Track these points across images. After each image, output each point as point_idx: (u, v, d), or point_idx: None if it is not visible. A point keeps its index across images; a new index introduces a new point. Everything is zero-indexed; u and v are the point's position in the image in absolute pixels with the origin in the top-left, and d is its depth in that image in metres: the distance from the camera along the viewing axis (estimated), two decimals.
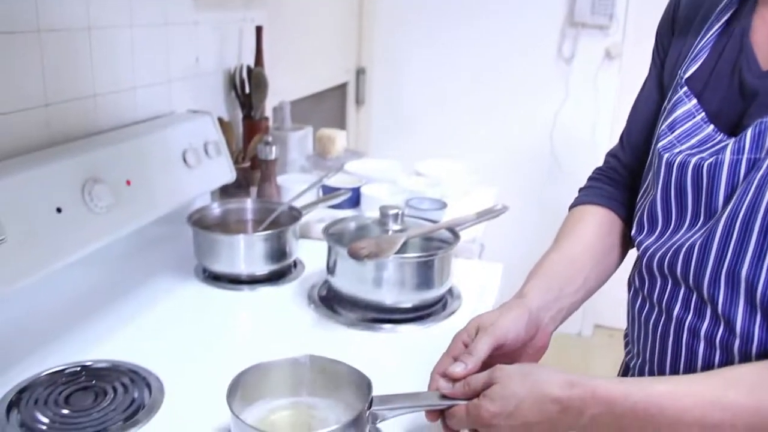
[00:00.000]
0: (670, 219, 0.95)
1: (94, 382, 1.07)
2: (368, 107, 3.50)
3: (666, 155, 0.94)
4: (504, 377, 0.84)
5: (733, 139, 0.88)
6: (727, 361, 0.86)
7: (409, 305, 1.30)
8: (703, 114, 0.94)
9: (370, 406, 0.88)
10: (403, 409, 0.91)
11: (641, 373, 1.01)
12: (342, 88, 3.26)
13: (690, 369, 0.91)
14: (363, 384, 0.92)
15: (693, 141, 0.93)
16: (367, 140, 3.51)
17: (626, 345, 1.09)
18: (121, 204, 1.32)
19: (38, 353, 1.15)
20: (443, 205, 1.78)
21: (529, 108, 3.30)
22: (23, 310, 1.24)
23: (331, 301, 1.37)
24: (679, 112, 0.95)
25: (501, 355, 0.93)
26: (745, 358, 0.85)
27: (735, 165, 0.87)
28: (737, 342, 0.85)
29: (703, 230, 0.89)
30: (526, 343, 0.97)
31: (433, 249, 1.34)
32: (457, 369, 0.89)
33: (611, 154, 1.22)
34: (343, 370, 0.96)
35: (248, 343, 1.24)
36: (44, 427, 0.96)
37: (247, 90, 2.01)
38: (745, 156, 0.86)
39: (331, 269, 1.34)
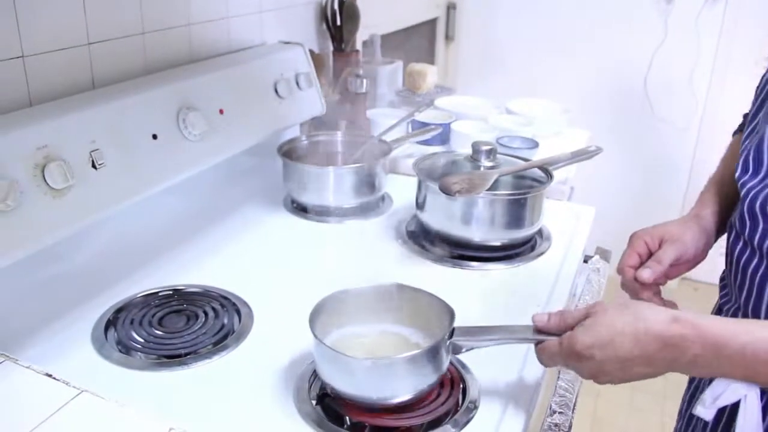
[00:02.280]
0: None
1: (185, 305, 1.10)
2: (457, 43, 3.43)
3: None
4: (601, 311, 0.81)
5: None
6: None
7: (497, 243, 1.28)
8: None
9: (451, 336, 0.88)
10: (490, 341, 0.90)
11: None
12: (432, 23, 3.19)
13: None
14: (446, 314, 0.90)
15: None
16: (455, 77, 3.44)
17: (722, 288, 1.04)
18: (214, 132, 1.34)
19: (133, 276, 1.19)
20: (535, 145, 1.73)
21: (624, 48, 3.16)
22: (120, 235, 1.27)
23: (418, 237, 1.36)
24: None
25: (672, 267, 1.01)
26: None
27: None
28: None
29: None
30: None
31: (524, 188, 1.31)
32: (645, 274, 0.98)
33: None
34: (428, 300, 0.95)
35: (335, 275, 1.24)
36: (139, 346, 1.00)
37: (338, 22, 1.99)
38: None
39: (420, 204, 1.32)
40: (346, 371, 0.85)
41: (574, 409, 0.97)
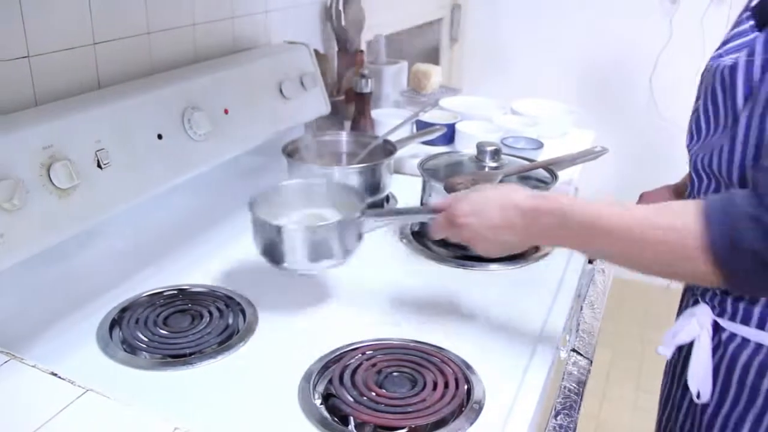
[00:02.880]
0: (710, 124, 1.00)
1: (190, 305, 1.10)
2: (462, 44, 3.43)
3: (710, 62, 1.00)
4: (480, 187, 1.00)
5: (756, 36, 0.93)
6: None
7: None
8: (753, 22, 0.98)
9: (362, 214, 1.07)
10: (391, 217, 1.20)
11: None
12: (437, 23, 3.19)
13: None
14: (360, 200, 1.10)
15: (734, 45, 0.98)
16: (460, 77, 3.44)
17: None
18: (218, 132, 1.34)
19: (138, 275, 1.19)
20: (540, 145, 1.73)
21: (629, 48, 3.16)
22: (125, 234, 1.27)
23: (422, 237, 1.35)
24: (737, 29, 1.00)
25: None
26: None
27: (749, 66, 0.91)
28: None
29: (729, 131, 0.94)
30: None
31: (529, 188, 1.30)
32: None
33: None
34: (348, 190, 1.16)
35: (340, 274, 1.24)
36: (144, 346, 1.00)
37: (343, 22, 1.99)
38: (759, 57, 0.89)
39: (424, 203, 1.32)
40: (270, 238, 1.06)
41: (578, 410, 0.97)
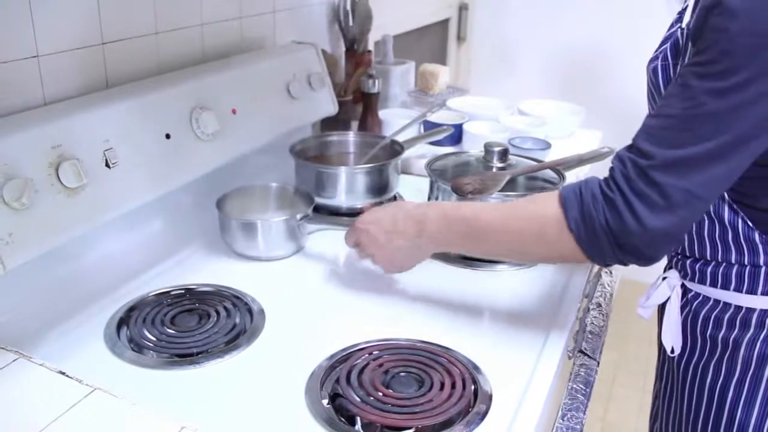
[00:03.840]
0: None
1: (197, 304, 1.10)
2: (469, 44, 3.43)
3: (647, 66, 1.08)
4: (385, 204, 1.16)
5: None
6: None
7: None
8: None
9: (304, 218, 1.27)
10: (324, 225, 1.31)
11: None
12: (444, 23, 3.19)
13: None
14: (308, 203, 1.33)
15: (660, 49, 1.07)
16: (467, 77, 3.44)
17: None
18: (226, 132, 1.34)
19: (145, 274, 1.19)
20: (547, 146, 1.73)
21: (636, 49, 3.14)
22: (133, 233, 1.28)
23: None
24: (669, 32, 1.07)
25: None
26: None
27: (664, 70, 1.02)
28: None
29: None
30: None
31: (537, 189, 1.31)
32: None
33: None
34: (298, 194, 1.38)
35: (347, 276, 1.24)
36: (151, 345, 1.00)
37: (351, 23, 1.99)
38: (670, 61, 1.01)
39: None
40: (231, 231, 1.26)
41: (585, 411, 0.97)
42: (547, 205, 0.92)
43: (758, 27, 0.77)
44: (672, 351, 1.15)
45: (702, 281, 1.09)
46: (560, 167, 1.35)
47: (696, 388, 1.13)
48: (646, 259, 0.89)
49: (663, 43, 1.07)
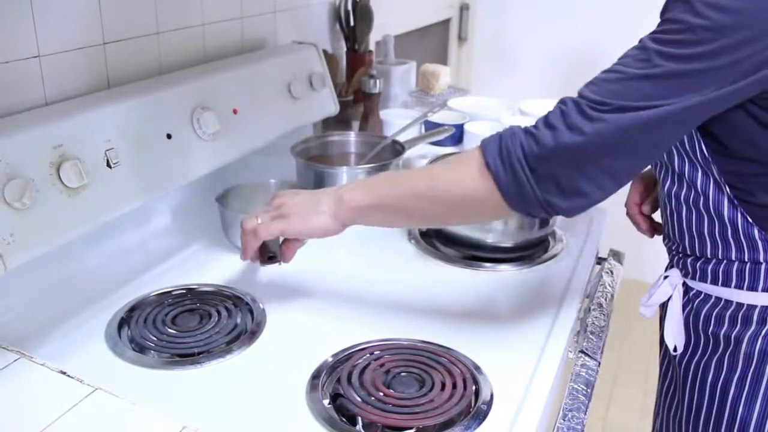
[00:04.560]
0: None
1: (198, 304, 1.10)
2: (470, 44, 3.43)
3: None
4: None
5: None
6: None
7: (510, 245, 1.28)
8: None
9: None
10: None
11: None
12: (445, 23, 3.19)
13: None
14: None
15: None
16: (468, 77, 3.44)
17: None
18: (227, 132, 1.34)
19: (146, 274, 1.19)
20: None
21: None
22: (134, 233, 1.28)
23: (430, 237, 1.36)
24: None
25: None
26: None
27: None
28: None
29: None
30: None
31: None
32: (646, 209, 1.24)
33: None
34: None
35: (347, 274, 1.24)
36: (152, 345, 1.00)
37: (352, 23, 1.99)
38: None
39: None
40: (234, 226, 1.23)
41: (586, 411, 0.97)
42: (467, 152, 0.93)
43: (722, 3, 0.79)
44: (675, 349, 1.15)
45: (703, 279, 1.09)
46: None
47: (698, 385, 1.13)
48: (563, 195, 0.87)
49: None
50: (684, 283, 1.14)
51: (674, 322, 1.14)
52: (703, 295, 1.11)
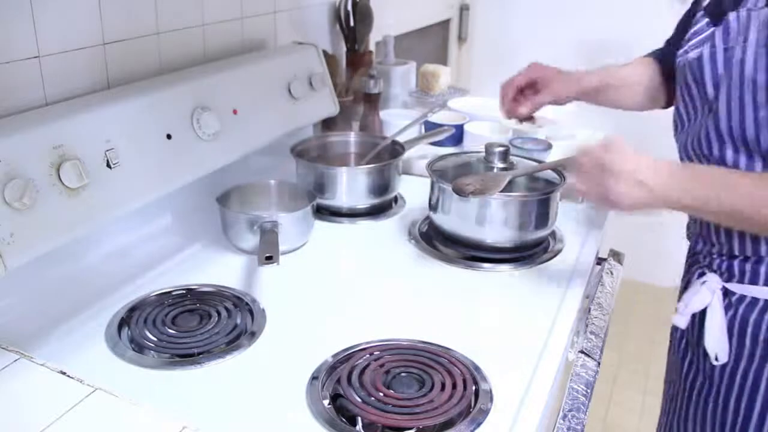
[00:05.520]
0: (689, 113, 1.14)
1: (198, 305, 1.10)
2: (470, 44, 3.43)
3: (678, 60, 1.14)
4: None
5: (714, 30, 1.07)
6: None
7: (510, 245, 1.28)
8: (708, 19, 1.11)
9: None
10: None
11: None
12: (445, 24, 3.19)
13: None
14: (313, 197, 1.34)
15: (696, 41, 1.11)
16: (468, 78, 3.44)
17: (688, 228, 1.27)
18: (227, 132, 1.34)
19: (146, 275, 1.19)
20: (548, 146, 1.73)
21: (638, 49, 3.14)
22: (134, 234, 1.28)
23: (431, 238, 1.36)
24: (695, 27, 1.13)
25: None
26: None
27: (712, 56, 1.05)
28: None
29: (710, 116, 1.07)
30: None
31: (538, 189, 1.30)
32: (523, 110, 1.39)
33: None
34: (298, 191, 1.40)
35: (347, 275, 1.25)
36: (152, 345, 1.00)
37: (352, 23, 1.99)
38: (720, 47, 1.04)
39: (433, 205, 1.32)
40: (235, 226, 1.26)
41: (586, 412, 0.97)
42: None
43: None
44: (717, 359, 1.11)
45: (753, 281, 1.05)
46: (561, 167, 1.35)
47: (746, 395, 1.09)
48: None
49: (696, 34, 1.12)
50: (723, 288, 1.10)
51: (716, 329, 1.10)
52: (749, 299, 1.07)
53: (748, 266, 1.05)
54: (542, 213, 1.27)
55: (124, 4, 1.24)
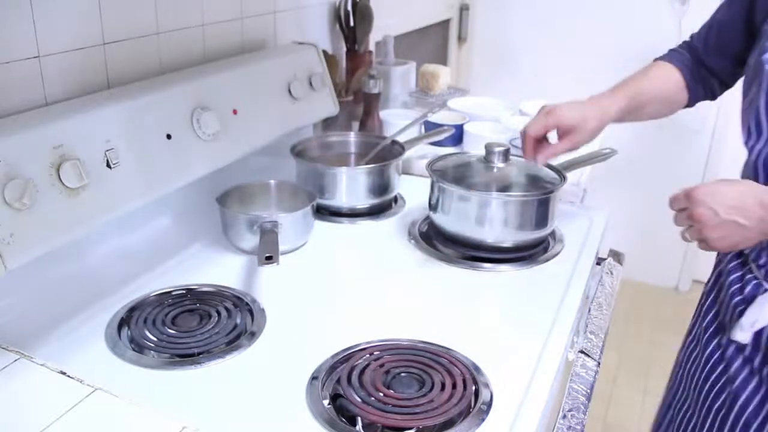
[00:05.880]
0: None
1: (198, 305, 1.10)
2: (470, 44, 3.43)
3: (760, 61, 1.06)
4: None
5: None
6: None
7: (510, 245, 1.28)
8: None
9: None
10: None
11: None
12: (445, 24, 3.19)
13: None
14: (309, 198, 1.33)
15: None
16: (468, 78, 3.44)
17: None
18: (227, 132, 1.34)
19: (146, 275, 1.19)
20: None
21: (638, 49, 3.14)
22: (134, 234, 1.28)
23: (431, 238, 1.36)
24: None
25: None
26: None
27: None
28: None
29: None
30: None
31: (538, 189, 1.30)
32: (540, 158, 1.24)
33: (694, 38, 1.38)
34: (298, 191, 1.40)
35: (348, 276, 1.25)
36: (152, 345, 1.00)
37: (352, 23, 1.99)
38: None
39: (433, 206, 1.32)
40: (235, 227, 1.26)
41: (586, 412, 0.97)
42: None
43: None
44: None
45: None
46: (561, 168, 1.35)
47: None
48: None
49: None
50: None
51: None
52: None
53: None
54: (542, 212, 1.27)
55: (124, 4, 1.24)
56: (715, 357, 1.19)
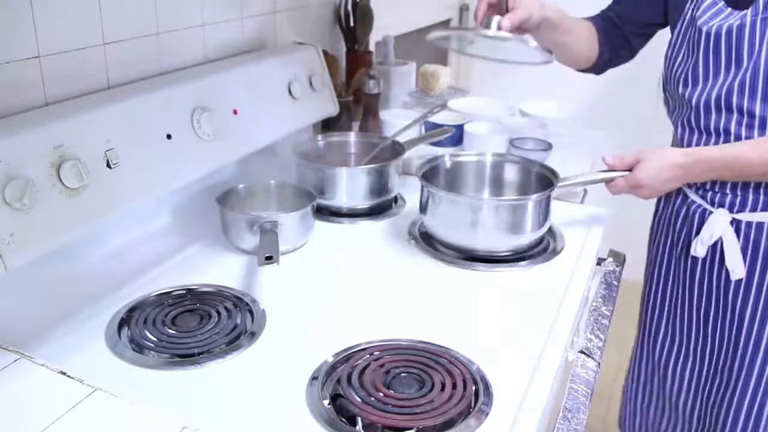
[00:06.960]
0: (709, 72, 1.30)
1: (198, 305, 1.10)
2: None
3: (704, 28, 1.29)
4: (648, 156, 1.32)
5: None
6: None
7: (502, 249, 1.28)
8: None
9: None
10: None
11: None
12: (445, 24, 3.19)
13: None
14: (310, 198, 1.34)
15: (712, 12, 1.29)
16: (468, 78, 3.43)
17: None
18: (227, 132, 1.34)
19: (146, 275, 1.19)
20: (548, 146, 1.73)
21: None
22: (134, 234, 1.28)
23: (430, 238, 1.36)
24: (706, 3, 1.30)
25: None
26: None
27: (754, 24, 1.22)
28: None
29: (740, 73, 1.25)
30: None
31: (532, 190, 1.30)
32: (506, 23, 1.26)
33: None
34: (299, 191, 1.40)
35: (347, 276, 1.25)
36: (152, 345, 1.00)
37: (352, 23, 1.99)
38: (760, 16, 1.21)
39: (423, 208, 1.33)
40: (235, 227, 1.26)
41: (586, 412, 0.97)
42: None
43: None
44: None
45: (755, 208, 1.30)
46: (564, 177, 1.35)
47: (760, 307, 1.33)
48: None
49: (710, 6, 1.28)
50: (733, 219, 1.32)
51: (733, 252, 1.32)
52: (755, 224, 1.30)
53: (749, 196, 1.30)
54: (534, 214, 1.27)
55: (124, 4, 1.24)
56: (679, 271, 1.48)
